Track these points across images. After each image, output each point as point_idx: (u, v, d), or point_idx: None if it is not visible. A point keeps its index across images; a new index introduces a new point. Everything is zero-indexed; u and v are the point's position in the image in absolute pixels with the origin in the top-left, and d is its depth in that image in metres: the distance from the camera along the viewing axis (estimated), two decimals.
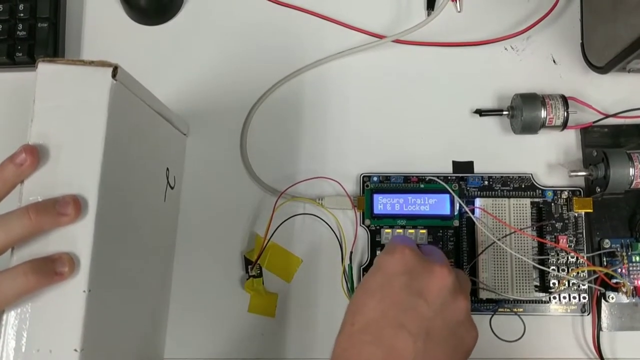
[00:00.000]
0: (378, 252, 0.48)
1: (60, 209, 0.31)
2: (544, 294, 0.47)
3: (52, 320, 0.32)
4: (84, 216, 0.32)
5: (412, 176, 0.49)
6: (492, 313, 0.46)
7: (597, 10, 0.49)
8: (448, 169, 0.50)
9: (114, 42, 0.54)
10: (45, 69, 0.34)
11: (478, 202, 0.48)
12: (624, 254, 0.47)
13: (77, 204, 0.32)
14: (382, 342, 0.34)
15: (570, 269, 0.47)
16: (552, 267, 0.47)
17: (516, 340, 0.46)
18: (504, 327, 0.46)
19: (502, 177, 0.49)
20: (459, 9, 0.53)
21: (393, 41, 0.52)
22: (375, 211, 0.48)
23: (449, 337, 0.35)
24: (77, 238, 0.32)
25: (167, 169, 0.46)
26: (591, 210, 0.47)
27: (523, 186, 0.49)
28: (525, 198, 0.48)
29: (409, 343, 0.33)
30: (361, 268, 0.48)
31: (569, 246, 0.47)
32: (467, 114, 0.51)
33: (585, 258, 0.47)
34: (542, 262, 0.47)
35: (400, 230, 0.48)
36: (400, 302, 0.35)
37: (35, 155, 0.32)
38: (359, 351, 0.34)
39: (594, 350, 0.46)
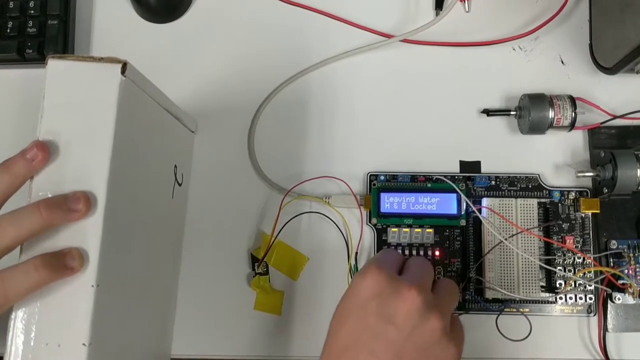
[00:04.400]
0: None
1: (71, 205, 0.32)
2: (550, 294, 0.47)
3: (61, 315, 0.32)
4: (93, 212, 0.33)
5: (419, 175, 0.49)
6: (499, 313, 0.46)
7: (605, 11, 0.49)
8: (455, 168, 0.50)
9: (123, 39, 0.55)
10: (54, 65, 0.34)
11: (485, 202, 0.48)
12: (631, 254, 0.47)
13: (87, 200, 0.32)
14: None
15: (576, 270, 0.47)
16: (558, 268, 0.47)
17: (522, 340, 0.46)
18: (510, 326, 0.46)
19: (509, 177, 0.49)
20: (467, 9, 0.53)
21: (401, 41, 0.52)
22: (382, 210, 0.48)
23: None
24: (86, 233, 0.33)
25: (175, 166, 0.46)
26: (598, 211, 0.47)
27: (530, 186, 0.49)
28: (532, 198, 0.48)
29: None
30: None
31: (576, 247, 0.47)
32: (475, 114, 0.51)
33: (592, 259, 0.47)
34: (549, 263, 0.47)
35: (407, 230, 0.48)
36: (371, 329, 0.35)
37: (47, 151, 0.32)
38: None
39: (599, 351, 0.46)
